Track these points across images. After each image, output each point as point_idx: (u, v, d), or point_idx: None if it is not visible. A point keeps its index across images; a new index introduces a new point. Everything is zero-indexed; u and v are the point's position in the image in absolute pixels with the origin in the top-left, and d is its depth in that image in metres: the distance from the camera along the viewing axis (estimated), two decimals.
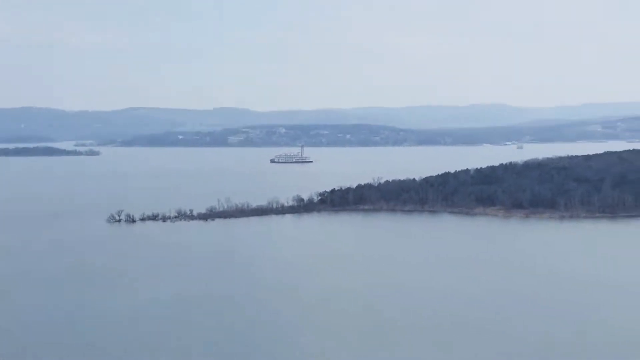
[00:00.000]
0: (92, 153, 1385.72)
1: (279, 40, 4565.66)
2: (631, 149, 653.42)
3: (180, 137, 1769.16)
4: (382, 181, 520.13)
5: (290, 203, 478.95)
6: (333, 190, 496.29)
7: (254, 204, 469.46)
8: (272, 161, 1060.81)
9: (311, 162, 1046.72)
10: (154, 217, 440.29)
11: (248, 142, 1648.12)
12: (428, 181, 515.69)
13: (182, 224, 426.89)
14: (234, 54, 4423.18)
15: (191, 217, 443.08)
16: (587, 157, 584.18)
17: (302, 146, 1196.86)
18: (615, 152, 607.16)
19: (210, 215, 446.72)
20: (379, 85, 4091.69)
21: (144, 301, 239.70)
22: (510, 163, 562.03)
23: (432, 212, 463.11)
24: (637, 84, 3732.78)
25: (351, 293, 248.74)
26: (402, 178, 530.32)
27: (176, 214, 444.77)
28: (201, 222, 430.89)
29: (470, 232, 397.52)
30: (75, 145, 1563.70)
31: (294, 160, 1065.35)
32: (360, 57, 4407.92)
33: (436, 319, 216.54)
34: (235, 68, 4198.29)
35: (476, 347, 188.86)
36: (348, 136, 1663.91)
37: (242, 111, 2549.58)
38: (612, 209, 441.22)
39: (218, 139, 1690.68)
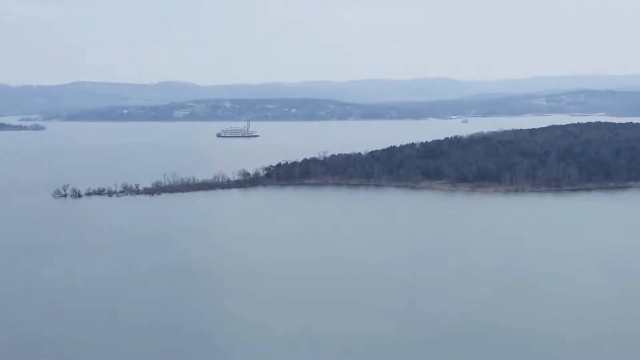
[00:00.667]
0: (37, 128, 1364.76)
1: (224, 14, 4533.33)
2: (576, 122, 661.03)
3: (125, 111, 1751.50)
4: (328, 155, 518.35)
5: (237, 177, 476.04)
6: (279, 165, 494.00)
7: (200, 178, 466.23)
8: (219, 135, 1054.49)
9: (257, 136, 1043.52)
10: (99, 192, 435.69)
11: (193, 117, 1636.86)
12: (374, 155, 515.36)
13: (128, 198, 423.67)
14: (179, 28, 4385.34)
15: (137, 191, 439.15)
16: (532, 131, 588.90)
17: (249, 120, 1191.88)
18: (560, 126, 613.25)
19: (156, 190, 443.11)
20: (324, 59, 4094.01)
21: (80, 279, 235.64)
22: (456, 137, 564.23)
23: (378, 186, 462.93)
24: (582, 58, 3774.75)
25: (287, 263, 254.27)
26: (347, 152, 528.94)
27: (122, 189, 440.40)
28: (147, 197, 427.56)
29: (414, 206, 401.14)
30: (20, 120, 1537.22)
31: (240, 135, 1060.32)
32: (305, 31, 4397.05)
33: (367, 284, 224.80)
34: (180, 42, 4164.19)
35: (405, 310, 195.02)
36: (294, 110, 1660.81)
37: (187, 85, 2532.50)
38: (557, 183, 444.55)
39: (163, 113, 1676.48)
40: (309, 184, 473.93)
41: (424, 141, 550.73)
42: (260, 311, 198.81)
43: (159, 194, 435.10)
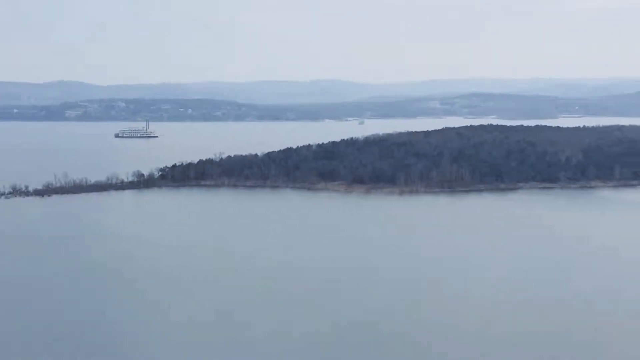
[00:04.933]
0: None
1: (118, 13, 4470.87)
2: (468, 125, 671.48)
3: (15, 110, 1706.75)
4: (224, 156, 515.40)
5: (131, 178, 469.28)
6: (174, 166, 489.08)
7: (94, 179, 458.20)
8: (117, 136, 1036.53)
9: (156, 137, 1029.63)
10: None
11: (86, 117, 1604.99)
12: (270, 156, 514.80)
13: (17, 200, 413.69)
14: (72, 26, 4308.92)
15: (27, 193, 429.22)
16: (427, 133, 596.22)
17: (147, 121, 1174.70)
18: (454, 128, 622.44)
19: (46, 191, 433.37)
20: (221, 59, 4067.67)
21: None
22: (352, 138, 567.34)
23: (274, 187, 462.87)
24: (476, 62, 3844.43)
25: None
26: (244, 153, 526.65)
27: (11, 190, 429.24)
28: (37, 199, 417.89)
29: (308, 207, 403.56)
30: None
31: (138, 135, 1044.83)
32: (202, 31, 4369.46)
33: (258, 286, 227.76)
34: (73, 40, 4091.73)
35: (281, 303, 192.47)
36: (190, 111, 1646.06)
37: (81, 85, 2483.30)
38: (450, 184, 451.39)
39: (55, 113, 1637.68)
40: (204, 186, 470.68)
41: (320, 143, 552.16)
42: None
43: (49, 196, 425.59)
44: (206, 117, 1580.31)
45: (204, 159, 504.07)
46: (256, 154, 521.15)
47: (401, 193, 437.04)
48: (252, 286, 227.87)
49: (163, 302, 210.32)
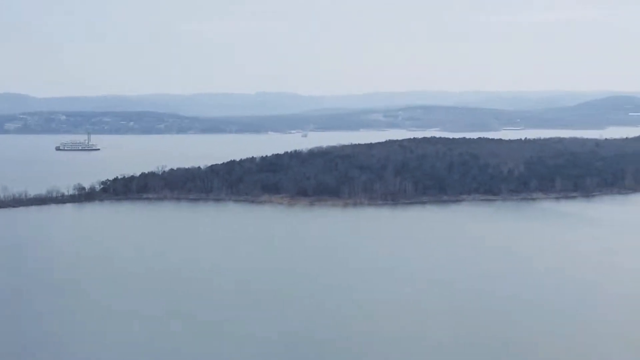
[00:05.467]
0: None
1: (58, 25, 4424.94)
2: (411, 137, 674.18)
3: None
4: (167, 169, 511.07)
5: (72, 192, 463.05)
6: (116, 179, 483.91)
7: (34, 193, 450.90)
8: (58, 149, 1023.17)
9: (98, 149, 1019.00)
10: None
11: (26, 129, 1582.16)
12: (213, 169, 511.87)
13: None
14: (16, 37, 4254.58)
15: None
16: (370, 146, 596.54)
17: (89, 133, 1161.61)
18: (397, 141, 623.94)
19: None
20: (165, 71, 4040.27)
21: None
22: (295, 151, 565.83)
23: (218, 200, 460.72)
24: (418, 74, 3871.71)
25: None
26: (187, 166, 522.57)
27: None
28: None
29: (249, 221, 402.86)
30: None
31: (80, 148, 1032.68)
32: (148, 43, 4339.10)
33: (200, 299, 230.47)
34: (15, 52, 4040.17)
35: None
36: (132, 123, 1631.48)
37: (21, 97, 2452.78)
38: (393, 196, 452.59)
39: None
40: (147, 199, 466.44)
41: (264, 155, 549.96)
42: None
43: None
44: (148, 130, 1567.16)
45: (146, 172, 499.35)
46: (199, 167, 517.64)
47: (345, 206, 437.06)
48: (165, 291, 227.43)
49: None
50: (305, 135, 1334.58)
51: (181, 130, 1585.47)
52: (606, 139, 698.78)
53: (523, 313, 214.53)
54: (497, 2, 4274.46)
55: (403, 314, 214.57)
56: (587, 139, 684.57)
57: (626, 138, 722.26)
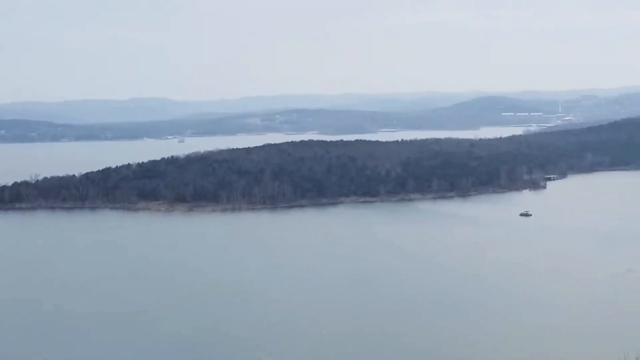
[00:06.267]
0: None
1: None
2: (289, 141, 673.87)
3: None
4: (40, 178, 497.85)
5: None
6: None
7: None
8: None
9: None
10: None
11: None
12: (88, 177, 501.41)
13: None
14: None
15: None
16: (248, 150, 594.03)
17: None
18: (275, 145, 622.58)
19: None
20: (35, 79, 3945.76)
21: None
22: (173, 157, 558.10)
23: (93, 208, 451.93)
24: (292, 77, 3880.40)
25: None
26: (61, 174, 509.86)
27: None
28: None
29: (125, 229, 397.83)
30: None
31: None
32: (13, 50, 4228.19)
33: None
34: None
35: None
36: (2, 132, 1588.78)
37: None
38: (272, 200, 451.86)
39: None
40: (19, 209, 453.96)
41: (140, 162, 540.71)
42: None
43: None
44: (20, 139, 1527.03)
45: (18, 181, 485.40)
46: (74, 175, 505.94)
47: (224, 211, 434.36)
48: None
49: None
50: (182, 141, 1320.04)
51: (55, 138, 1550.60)
52: (480, 139, 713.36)
53: (408, 304, 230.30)
54: (367, 5, 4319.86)
55: (292, 311, 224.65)
56: (462, 140, 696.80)
57: (500, 138, 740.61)
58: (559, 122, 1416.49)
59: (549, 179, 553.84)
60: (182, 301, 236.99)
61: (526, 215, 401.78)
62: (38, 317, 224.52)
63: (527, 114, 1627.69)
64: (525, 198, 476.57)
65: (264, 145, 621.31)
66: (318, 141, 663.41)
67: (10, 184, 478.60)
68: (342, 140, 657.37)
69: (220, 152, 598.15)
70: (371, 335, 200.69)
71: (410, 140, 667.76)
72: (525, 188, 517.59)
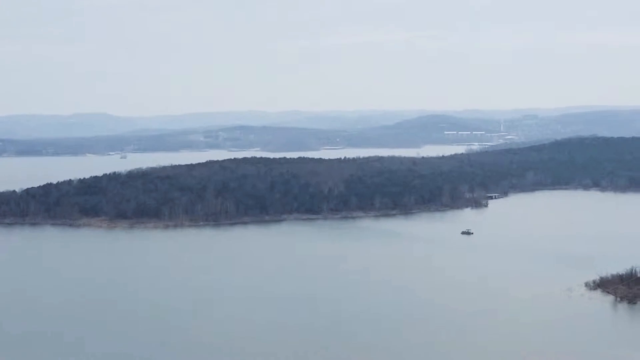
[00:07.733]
0: None
1: None
2: (232, 157, 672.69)
3: None
4: None
5: None
6: None
7: None
8: None
9: None
10: None
11: None
12: (29, 192, 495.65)
13: None
14: None
15: None
16: (190, 167, 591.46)
17: None
18: (217, 161, 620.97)
19: None
20: None
21: None
22: (114, 173, 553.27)
23: (34, 224, 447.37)
24: (238, 95, 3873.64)
25: None
26: (1, 190, 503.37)
27: None
28: None
29: (67, 247, 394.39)
30: None
31: None
32: None
33: None
34: None
35: None
36: None
37: None
38: (215, 217, 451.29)
39: None
40: None
41: (82, 177, 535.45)
42: None
43: None
44: None
45: None
46: (14, 190, 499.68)
47: (166, 227, 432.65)
48: None
49: None
50: (124, 157, 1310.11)
51: None
52: (423, 158, 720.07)
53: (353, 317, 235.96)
54: (306, 26, 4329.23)
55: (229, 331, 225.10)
56: (405, 158, 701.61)
57: (442, 156, 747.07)
58: (501, 141, 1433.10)
59: (491, 198, 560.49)
60: (104, 325, 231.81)
61: (468, 233, 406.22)
62: None
63: (470, 132, 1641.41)
64: (467, 216, 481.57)
65: (206, 162, 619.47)
66: (261, 158, 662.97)
67: None
68: (285, 158, 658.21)
69: (163, 168, 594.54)
70: (311, 352, 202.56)
71: (353, 158, 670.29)
72: (467, 206, 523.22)
